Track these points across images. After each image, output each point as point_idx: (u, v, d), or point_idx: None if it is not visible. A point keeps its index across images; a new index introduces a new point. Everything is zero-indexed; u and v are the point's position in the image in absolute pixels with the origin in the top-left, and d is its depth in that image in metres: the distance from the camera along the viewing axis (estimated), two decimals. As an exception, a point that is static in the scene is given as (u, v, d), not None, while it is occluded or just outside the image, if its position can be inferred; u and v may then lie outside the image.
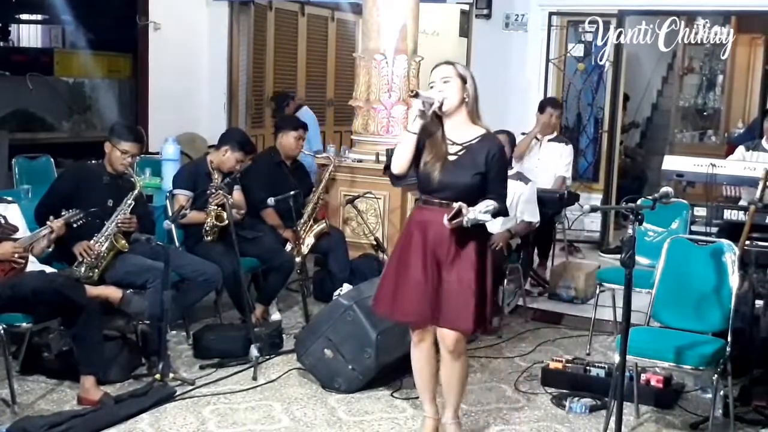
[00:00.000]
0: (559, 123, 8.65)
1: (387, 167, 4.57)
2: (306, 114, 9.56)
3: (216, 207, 6.37)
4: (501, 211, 4.36)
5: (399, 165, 4.44)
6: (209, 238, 6.47)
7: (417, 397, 5.16)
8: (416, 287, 4.38)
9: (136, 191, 5.85)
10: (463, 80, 4.38)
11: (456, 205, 4.17)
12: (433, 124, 4.41)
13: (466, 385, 4.69)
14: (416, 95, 4.35)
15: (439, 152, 4.37)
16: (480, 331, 4.56)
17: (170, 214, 6.60)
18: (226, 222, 6.20)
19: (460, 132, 4.40)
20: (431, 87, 4.41)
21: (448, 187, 4.33)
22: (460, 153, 4.37)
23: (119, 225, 5.75)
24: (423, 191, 4.50)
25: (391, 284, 4.52)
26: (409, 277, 4.41)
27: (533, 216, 6.92)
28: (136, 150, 5.90)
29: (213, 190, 6.31)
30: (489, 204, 4.21)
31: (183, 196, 6.51)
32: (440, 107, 4.33)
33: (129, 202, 5.80)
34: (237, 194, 6.69)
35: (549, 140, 8.56)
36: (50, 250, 5.38)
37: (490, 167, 4.34)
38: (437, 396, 4.71)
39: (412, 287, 4.39)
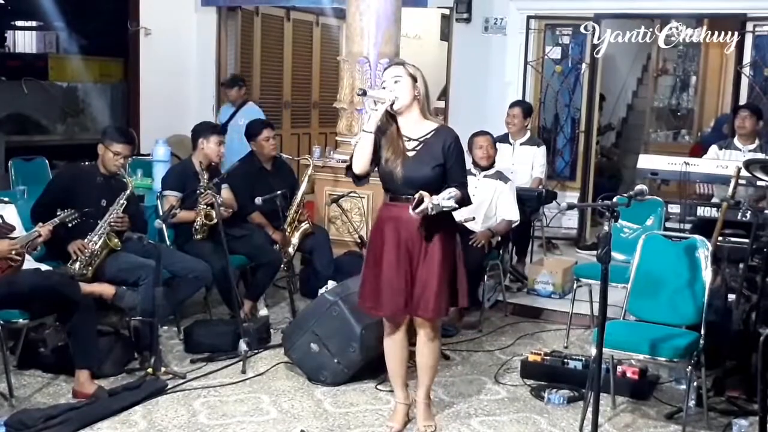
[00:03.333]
0: (525, 125, 8.68)
1: (348, 168, 4.66)
2: (251, 109, 9.59)
3: (205, 206, 6.43)
4: (464, 198, 4.47)
5: (359, 165, 4.55)
6: (199, 236, 6.53)
7: (400, 390, 5.34)
8: (390, 282, 4.52)
9: (128, 191, 5.92)
10: (414, 79, 4.50)
11: (417, 194, 4.27)
12: (387, 122, 4.52)
13: (437, 367, 4.85)
14: (364, 93, 4.52)
15: (397, 149, 4.49)
16: (452, 313, 4.67)
17: (161, 213, 6.67)
18: (215, 221, 6.26)
19: (414, 128, 4.53)
20: (383, 87, 4.51)
21: (410, 181, 4.43)
22: (417, 148, 4.49)
23: (112, 224, 5.82)
24: (387, 189, 4.61)
25: (368, 281, 4.65)
26: (383, 273, 4.54)
27: (513, 215, 6.97)
28: (127, 151, 5.98)
29: (201, 190, 6.35)
30: (451, 191, 4.31)
31: (172, 196, 6.55)
32: (392, 105, 4.44)
33: (121, 201, 5.88)
34: (226, 192, 6.74)
35: (521, 144, 8.61)
36: (37, 251, 5.42)
37: (448, 156, 4.47)
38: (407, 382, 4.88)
39: (387, 282, 4.53)
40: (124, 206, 5.91)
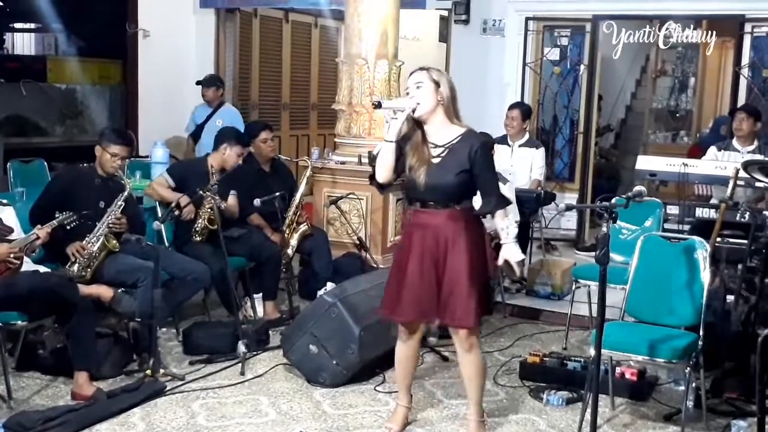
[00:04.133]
0: (524, 126, 8.68)
1: (372, 177, 4.62)
2: (228, 110, 9.58)
3: (209, 210, 6.43)
4: (507, 207, 4.50)
5: (382, 174, 4.50)
6: (198, 238, 6.56)
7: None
8: (412, 288, 4.46)
9: (125, 193, 5.92)
10: (437, 84, 4.42)
11: (500, 262, 4.36)
12: (412, 129, 4.45)
13: (485, 379, 4.74)
14: (379, 105, 4.44)
15: (422, 156, 4.41)
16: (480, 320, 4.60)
17: (159, 215, 6.67)
18: (216, 226, 6.24)
19: (440, 134, 4.44)
20: (407, 94, 4.45)
21: (435, 189, 4.40)
22: (443, 154, 4.41)
23: (110, 225, 5.82)
24: (412, 196, 4.55)
25: (392, 288, 4.60)
26: (406, 279, 4.48)
27: (514, 215, 6.96)
28: (125, 153, 5.99)
29: (206, 194, 6.31)
30: (505, 225, 4.38)
31: (164, 179, 6.70)
32: (413, 112, 4.38)
33: (119, 203, 5.87)
34: (232, 199, 6.78)
35: (520, 145, 8.61)
36: (35, 253, 5.40)
37: (474, 162, 4.37)
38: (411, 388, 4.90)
39: (409, 289, 4.47)
40: (122, 208, 5.90)
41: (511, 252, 4.39)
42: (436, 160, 4.42)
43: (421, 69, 4.51)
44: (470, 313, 4.42)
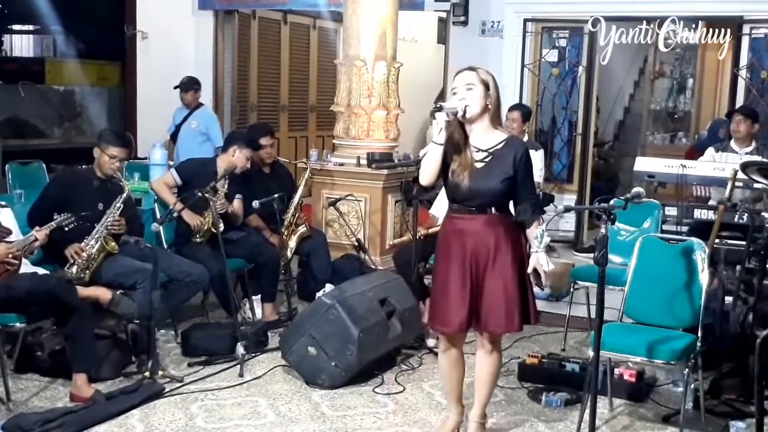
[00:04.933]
0: (523, 128, 8.68)
1: (415, 179, 4.56)
2: (203, 112, 9.64)
3: (216, 214, 6.39)
4: (542, 216, 4.42)
5: (427, 177, 4.37)
6: (199, 239, 6.58)
7: (398, 393, 5.36)
8: (457, 297, 4.39)
9: (124, 194, 5.92)
10: (486, 86, 4.32)
11: (530, 270, 4.30)
12: (456, 131, 4.34)
13: (495, 384, 4.72)
14: (440, 109, 4.23)
15: (465, 161, 4.32)
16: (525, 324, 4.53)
17: (158, 217, 6.67)
18: (221, 230, 6.24)
19: (484, 138, 4.35)
20: (454, 94, 4.35)
21: (478, 194, 4.33)
22: (487, 159, 4.33)
23: (109, 227, 5.82)
24: (453, 200, 4.47)
25: (436, 299, 4.53)
26: (448, 289, 4.41)
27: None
28: (124, 154, 5.99)
29: (215, 197, 6.35)
30: (538, 233, 4.26)
31: (171, 176, 6.75)
32: (463, 115, 4.27)
33: (118, 205, 5.87)
34: (237, 203, 6.79)
35: None
36: (33, 255, 5.42)
37: (518, 169, 4.31)
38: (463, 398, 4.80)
39: (453, 298, 4.40)
40: (120, 210, 5.90)
41: (541, 260, 4.34)
42: (479, 165, 4.33)
43: (471, 69, 4.40)
44: (514, 317, 4.38)
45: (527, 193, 4.40)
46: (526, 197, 4.39)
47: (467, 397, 4.86)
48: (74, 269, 5.70)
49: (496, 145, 4.34)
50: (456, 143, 4.34)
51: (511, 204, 4.47)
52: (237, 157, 6.73)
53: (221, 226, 6.27)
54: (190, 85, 9.55)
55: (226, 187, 6.54)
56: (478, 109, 4.30)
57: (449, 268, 4.42)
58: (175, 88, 9.45)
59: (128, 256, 5.93)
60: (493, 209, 4.38)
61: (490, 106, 4.34)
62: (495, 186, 4.31)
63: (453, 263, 4.41)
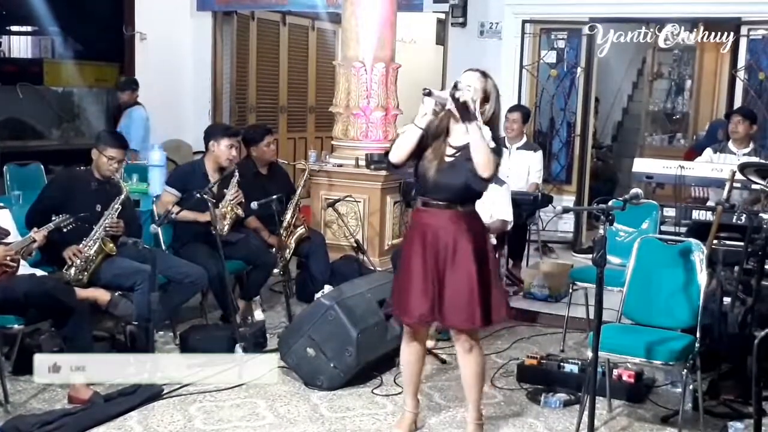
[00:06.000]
0: (521, 128, 8.69)
1: (386, 153, 4.58)
2: (133, 111, 9.64)
3: (236, 204, 6.48)
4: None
5: (398, 155, 4.44)
6: (226, 229, 6.54)
7: (397, 394, 5.32)
8: (417, 288, 4.44)
9: (122, 196, 5.93)
10: (486, 98, 4.37)
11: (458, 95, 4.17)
12: (441, 124, 4.41)
13: (484, 382, 4.74)
14: (429, 93, 4.29)
15: (437, 152, 4.39)
16: (487, 324, 4.55)
17: (156, 218, 6.65)
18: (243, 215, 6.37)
19: (461, 137, 4.38)
20: (454, 86, 4.29)
21: (442, 188, 4.39)
22: (456, 155, 4.39)
23: (107, 229, 5.83)
24: (420, 192, 4.54)
25: (397, 288, 4.62)
26: (411, 280, 4.47)
27: (507, 215, 6.91)
28: (121, 156, 6.00)
29: (233, 192, 6.43)
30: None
31: (169, 193, 6.63)
32: (471, 106, 4.23)
33: (116, 206, 5.88)
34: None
35: (518, 148, 8.58)
36: (31, 257, 5.43)
37: None
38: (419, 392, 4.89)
39: (414, 289, 4.45)
40: (119, 211, 5.90)
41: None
42: (448, 159, 4.40)
43: (483, 74, 4.45)
44: (475, 314, 4.40)
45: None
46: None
47: (461, 399, 4.89)
48: (72, 271, 5.71)
49: (467, 144, 4.35)
50: (438, 137, 4.42)
51: (478, 203, 4.54)
52: (219, 151, 6.64)
53: (226, 226, 6.35)
54: (127, 85, 9.64)
55: (236, 186, 6.59)
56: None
57: (411, 260, 4.48)
58: (114, 86, 9.46)
59: (127, 257, 5.93)
60: (458, 206, 4.43)
61: (481, 116, 4.32)
62: (459, 182, 4.36)
63: (415, 256, 4.47)
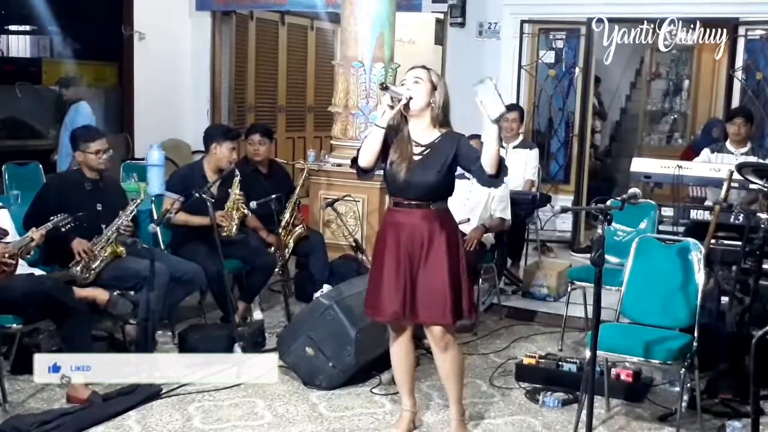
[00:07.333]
0: (519, 128, 8.70)
1: (354, 160, 4.63)
2: (76, 106, 9.62)
3: (241, 204, 6.52)
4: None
5: (366, 159, 4.50)
6: (234, 230, 6.58)
7: (395, 393, 5.27)
8: (390, 287, 4.48)
9: (139, 200, 5.97)
10: (434, 87, 4.46)
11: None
12: (401, 123, 4.48)
13: (462, 379, 4.79)
14: (386, 88, 4.40)
15: (405, 153, 4.45)
16: (459, 321, 4.60)
17: (155, 217, 6.66)
18: (248, 213, 6.41)
19: (423, 134, 4.48)
20: (403, 84, 4.47)
21: (414, 186, 4.44)
22: (425, 153, 4.46)
23: (121, 231, 5.83)
24: (391, 192, 4.60)
25: (371, 287, 4.65)
26: (383, 278, 4.51)
27: (506, 214, 6.97)
28: (105, 145, 5.97)
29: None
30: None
31: (169, 198, 6.59)
32: (407, 105, 4.39)
33: (132, 209, 5.91)
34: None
35: (514, 147, 8.63)
36: (30, 256, 5.41)
37: (459, 149, 4.42)
38: (415, 390, 4.89)
39: (387, 287, 4.50)
40: (133, 214, 5.92)
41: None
42: (417, 158, 4.46)
43: (424, 67, 4.55)
44: (446, 311, 4.45)
45: (473, 156, 4.41)
46: (474, 155, 4.40)
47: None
48: (79, 268, 5.68)
49: (434, 140, 4.46)
50: (399, 135, 4.48)
51: (449, 200, 4.58)
52: (220, 152, 6.63)
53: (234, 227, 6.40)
54: (72, 82, 9.66)
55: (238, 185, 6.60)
56: (420, 104, 4.45)
57: (385, 259, 4.52)
58: (55, 83, 9.38)
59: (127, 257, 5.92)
60: (430, 204, 4.47)
61: (433, 106, 4.46)
62: (430, 179, 4.43)
63: (388, 254, 4.51)
